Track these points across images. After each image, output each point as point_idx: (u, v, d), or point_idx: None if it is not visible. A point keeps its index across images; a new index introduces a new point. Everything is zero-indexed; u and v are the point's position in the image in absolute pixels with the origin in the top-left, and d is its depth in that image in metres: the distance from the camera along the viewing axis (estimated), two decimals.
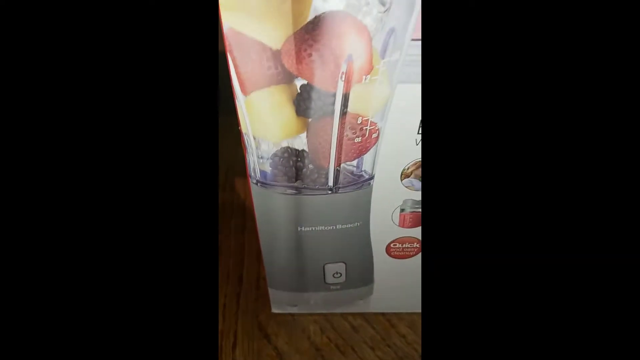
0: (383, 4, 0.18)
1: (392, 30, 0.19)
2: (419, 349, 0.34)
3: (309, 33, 0.19)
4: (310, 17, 0.18)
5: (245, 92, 0.20)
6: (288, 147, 0.23)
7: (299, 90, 0.21)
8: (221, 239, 0.43)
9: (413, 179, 0.25)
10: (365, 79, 0.20)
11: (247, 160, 0.24)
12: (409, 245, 0.30)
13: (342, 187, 0.25)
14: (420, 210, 0.27)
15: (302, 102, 0.21)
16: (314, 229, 0.28)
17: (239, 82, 0.20)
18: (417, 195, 0.26)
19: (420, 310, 0.36)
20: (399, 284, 0.33)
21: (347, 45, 0.19)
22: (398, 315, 0.36)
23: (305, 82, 0.20)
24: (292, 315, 0.36)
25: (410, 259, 0.31)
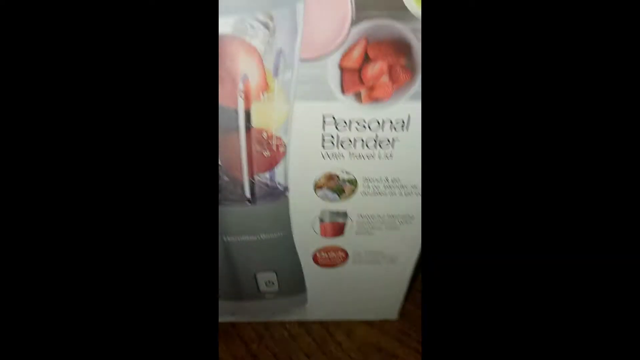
0: (267, 28, 0.19)
1: (280, 51, 0.20)
2: (354, 355, 0.35)
3: None
4: None
5: None
6: None
7: None
8: None
9: (326, 191, 0.26)
10: (263, 96, 0.21)
11: None
12: (334, 255, 0.31)
13: (260, 199, 0.27)
14: (338, 220, 0.28)
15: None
16: (238, 238, 0.29)
17: None
18: (333, 206, 0.27)
19: (356, 318, 0.37)
20: (332, 292, 0.34)
21: (240, 65, 0.20)
22: (336, 323, 0.37)
23: None
24: (232, 324, 0.37)
25: (338, 267, 0.32)
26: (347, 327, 0.37)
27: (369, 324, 0.37)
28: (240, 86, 0.21)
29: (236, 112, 0.22)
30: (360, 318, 0.37)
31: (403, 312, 0.37)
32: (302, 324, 0.37)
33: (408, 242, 0.29)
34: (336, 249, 0.30)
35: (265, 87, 0.21)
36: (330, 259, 0.31)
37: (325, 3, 0.18)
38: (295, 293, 0.34)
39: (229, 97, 0.21)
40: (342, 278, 0.33)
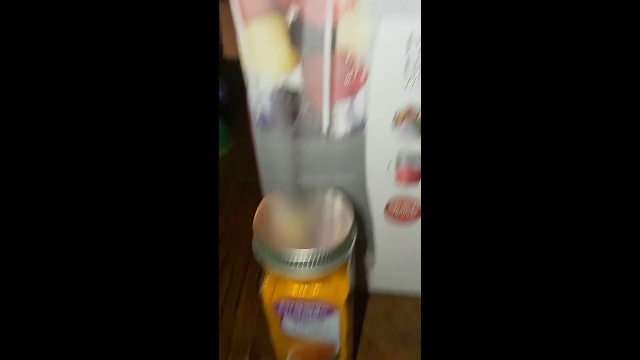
0: None
1: None
2: None
3: None
4: None
5: (245, 18, 0.23)
6: (284, 86, 0.25)
7: (291, 21, 0.23)
8: (232, 211, 0.44)
9: (406, 126, 0.25)
10: (351, 9, 0.22)
11: (249, 101, 0.26)
12: (407, 207, 0.29)
13: (337, 132, 0.26)
14: (416, 165, 0.27)
15: (294, 32, 0.23)
16: (313, 178, 0.29)
17: (240, 8, 0.23)
18: (412, 147, 0.26)
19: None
20: (402, 256, 0.32)
21: None
22: (403, 295, 0.35)
23: (297, 10, 0.22)
24: None
25: (410, 223, 0.30)
26: (415, 300, 0.35)
27: None
28: None
29: (322, 29, 0.22)
30: None
31: None
32: (367, 291, 0.35)
33: None
34: (410, 201, 0.29)
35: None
36: (402, 212, 0.30)
37: None
38: (363, 251, 0.33)
39: (318, 11, 0.22)
40: (413, 239, 0.31)
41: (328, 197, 0.25)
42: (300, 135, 0.27)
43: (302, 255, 0.21)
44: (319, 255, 0.21)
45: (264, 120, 0.27)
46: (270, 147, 0.28)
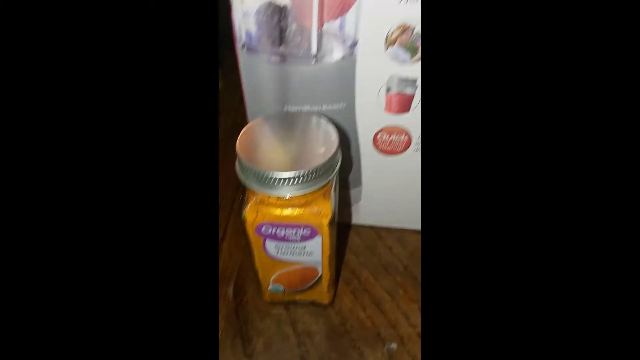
0: None
1: None
2: (405, 261, 0.33)
3: None
4: None
5: None
6: (271, 2, 0.23)
7: None
8: (220, 148, 0.44)
9: (398, 48, 0.24)
10: None
11: (233, 20, 0.25)
12: (397, 137, 0.29)
13: (326, 55, 0.25)
14: (407, 90, 0.26)
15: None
16: (300, 108, 0.28)
17: None
18: (403, 72, 0.25)
19: (410, 227, 0.35)
20: (387, 192, 0.32)
21: None
22: (387, 229, 0.35)
23: None
24: None
25: (399, 155, 0.30)
26: (399, 233, 0.35)
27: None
28: None
29: None
30: (415, 227, 0.35)
31: None
32: (353, 227, 0.36)
33: None
34: (399, 131, 0.28)
35: None
36: (391, 143, 0.29)
37: None
38: (351, 186, 0.33)
39: None
40: (402, 170, 0.31)
41: (313, 120, 0.24)
42: (287, 59, 0.25)
43: (285, 175, 0.20)
44: (301, 176, 0.21)
45: (249, 42, 0.25)
46: (256, 71, 0.26)
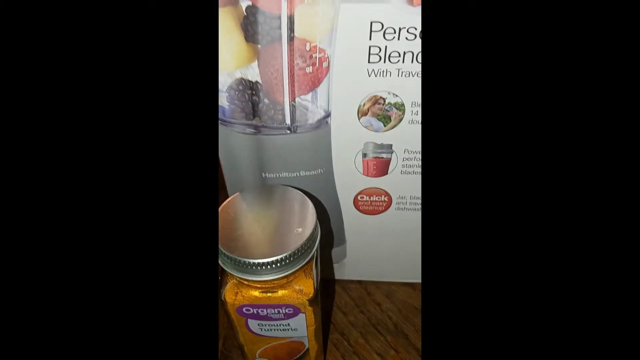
0: None
1: None
2: (394, 317, 0.33)
3: None
4: None
5: None
6: (242, 79, 0.24)
7: (245, 13, 0.21)
8: None
9: (371, 118, 0.25)
10: None
11: None
12: (377, 199, 0.29)
13: (300, 126, 0.25)
14: (383, 155, 0.26)
15: (249, 26, 0.22)
16: (278, 175, 0.28)
17: None
18: (377, 138, 0.25)
19: (397, 280, 0.35)
20: (373, 246, 0.32)
21: None
22: (375, 283, 0.35)
23: (249, 3, 0.21)
24: None
25: (381, 215, 0.30)
26: (388, 288, 0.35)
27: (412, 286, 0.35)
28: None
29: (278, 18, 0.21)
30: (402, 280, 0.35)
31: None
32: (339, 281, 0.35)
33: None
34: (379, 192, 0.28)
35: None
36: (372, 203, 0.29)
37: None
38: (335, 245, 0.32)
39: (272, 1, 0.20)
40: (385, 228, 0.30)
41: (289, 196, 0.24)
42: (262, 130, 0.25)
43: (263, 261, 0.20)
44: (280, 261, 0.20)
45: (223, 116, 0.25)
46: (232, 142, 0.26)
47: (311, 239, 0.22)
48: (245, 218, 0.23)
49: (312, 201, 0.24)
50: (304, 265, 0.22)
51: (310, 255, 0.22)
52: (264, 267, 0.20)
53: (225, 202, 0.24)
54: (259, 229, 0.22)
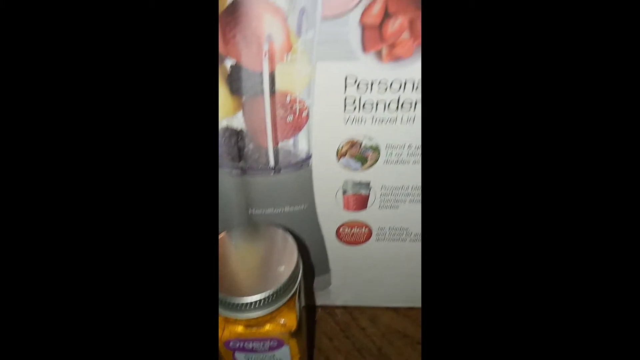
0: None
1: (303, 10, 0.21)
2: (378, 341, 0.34)
3: (230, 15, 0.21)
4: (229, 1, 0.21)
5: None
6: (228, 127, 0.25)
7: (229, 71, 0.23)
8: None
9: (349, 159, 0.26)
10: (287, 57, 0.22)
11: None
12: (358, 230, 0.30)
13: (284, 168, 0.27)
14: (362, 191, 0.28)
15: (234, 82, 0.23)
16: (264, 211, 0.29)
17: None
18: (356, 176, 0.27)
19: (380, 305, 0.36)
20: (356, 274, 0.34)
21: (265, 26, 0.21)
22: (360, 308, 0.36)
23: (234, 61, 0.23)
24: None
25: (362, 245, 0.31)
26: (372, 313, 0.36)
27: (394, 310, 0.36)
28: (265, 47, 0.22)
29: (261, 75, 0.23)
30: (386, 304, 0.36)
31: None
32: (325, 307, 0.36)
33: None
34: (360, 224, 0.30)
35: (289, 47, 0.22)
36: (353, 235, 0.31)
37: None
38: (319, 273, 0.34)
39: (254, 60, 0.22)
40: (367, 257, 0.32)
41: (273, 234, 0.26)
42: (248, 172, 0.27)
43: (248, 300, 0.22)
44: (264, 299, 0.22)
45: None
46: (220, 184, 0.28)
47: (293, 276, 0.23)
48: (231, 257, 0.24)
49: (296, 234, 0.25)
50: (287, 300, 0.23)
51: (292, 292, 0.23)
52: (248, 306, 0.22)
53: None
54: (243, 267, 0.24)
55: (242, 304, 0.22)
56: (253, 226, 0.28)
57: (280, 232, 0.26)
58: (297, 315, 0.24)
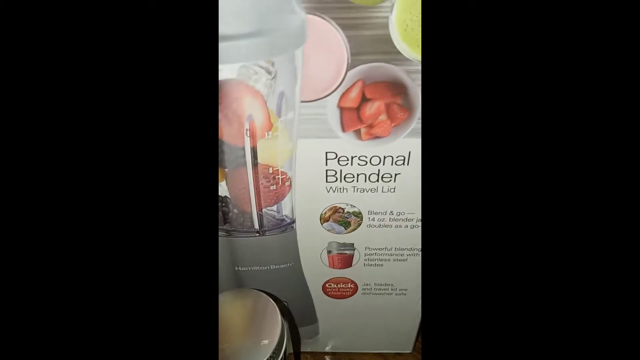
0: (269, 72, 0.21)
1: (282, 94, 0.21)
2: None
3: None
4: None
5: None
6: None
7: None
8: None
9: (332, 223, 0.27)
10: (268, 134, 0.23)
11: None
12: (344, 286, 0.31)
13: (269, 230, 0.27)
14: (346, 252, 0.28)
15: (217, 155, 0.24)
16: (250, 269, 0.30)
17: None
18: (340, 238, 0.28)
19: (369, 351, 0.36)
20: (344, 324, 0.34)
21: (245, 107, 0.22)
22: (349, 355, 0.37)
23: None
24: None
25: (349, 298, 0.32)
26: (359, 358, 0.36)
27: (383, 356, 0.36)
28: (246, 126, 0.22)
29: (243, 149, 0.23)
30: (374, 351, 0.37)
31: (418, 345, 0.36)
32: (314, 354, 0.37)
33: (417, 274, 0.29)
34: (345, 281, 0.30)
35: (270, 126, 0.22)
36: (339, 290, 0.31)
37: (322, 49, 0.20)
38: (307, 324, 0.34)
39: (236, 136, 0.23)
40: (354, 309, 0.33)
41: (259, 304, 0.26)
42: (233, 234, 0.27)
43: None
44: None
45: None
46: None
47: (278, 348, 0.23)
48: (218, 327, 0.25)
49: (283, 289, 0.25)
50: None
51: (278, 358, 0.24)
52: None
53: None
54: (229, 339, 0.24)
55: None
56: (242, 293, 0.28)
57: (268, 303, 0.26)
58: None
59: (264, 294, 0.26)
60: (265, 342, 0.23)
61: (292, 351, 0.35)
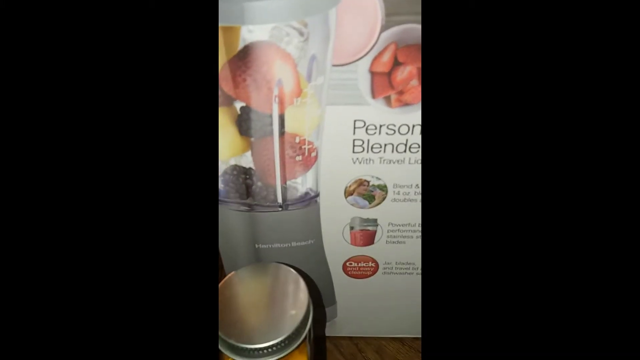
0: (302, 34, 0.20)
1: (313, 57, 0.21)
2: None
3: (241, 60, 0.21)
4: (240, 46, 0.21)
5: None
6: (236, 165, 0.25)
7: (239, 112, 0.23)
8: None
9: (356, 197, 0.26)
10: (297, 101, 0.22)
11: None
12: (364, 265, 0.30)
13: (291, 204, 0.27)
14: (369, 228, 0.28)
15: (243, 123, 0.23)
16: (270, 246, 0.29)
17: None
18: (363, 213, 0.27)
19: (387, 335, 0.36)
20: (363, 306, 0.33)
21: (275, 71, 0.21)
22: (366, 339, 0.36)
23: (244, 104, 0.23)
24: None
25: (369, 278, 0.31)
26: (378, 344, 0.36)
27: (401, 341, 0.36)
28: (275, 91, 0.22)
29: (270, 117, 0.23)
30: (392, 335, 0.36)
31: None
32: (331, 338, 0.36)
33: None
34: (366, 259, 0.30)
35: (299, 92, 0.22)
36: (360, 269, 0.31)
37: (355, 10, 0.19)
38: (325, 305, 0.34)
39: (264, 103, 0.22)
40: (373, 290, 0.32)
41: (283, 276, 0.25)
42: (255, 208, 0.27)
43: (260, 346, 0.21)
44: (276, 345, 0.22)
45: (219, 195, 0.27)
46: (226, 218, 0.28)
47: (304, 320, 0.23)
48: (241, 300, 0.24)
49: (303, 267, 0.25)
50: (299, 345, 0.23)
51: (303, 335, 0.23)
52: (260, 352, 0.22)
53: (221, 283, 0.25)
54: (254, 312, 0.23)
55: (254, 349, 0.21)
56: (263, 266, 0.27)
57: (291, 274, 0.25)
58: (308, 358, 0.24)
59: (284, 265, 0.26)
60: (293, 312, 0.23)
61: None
